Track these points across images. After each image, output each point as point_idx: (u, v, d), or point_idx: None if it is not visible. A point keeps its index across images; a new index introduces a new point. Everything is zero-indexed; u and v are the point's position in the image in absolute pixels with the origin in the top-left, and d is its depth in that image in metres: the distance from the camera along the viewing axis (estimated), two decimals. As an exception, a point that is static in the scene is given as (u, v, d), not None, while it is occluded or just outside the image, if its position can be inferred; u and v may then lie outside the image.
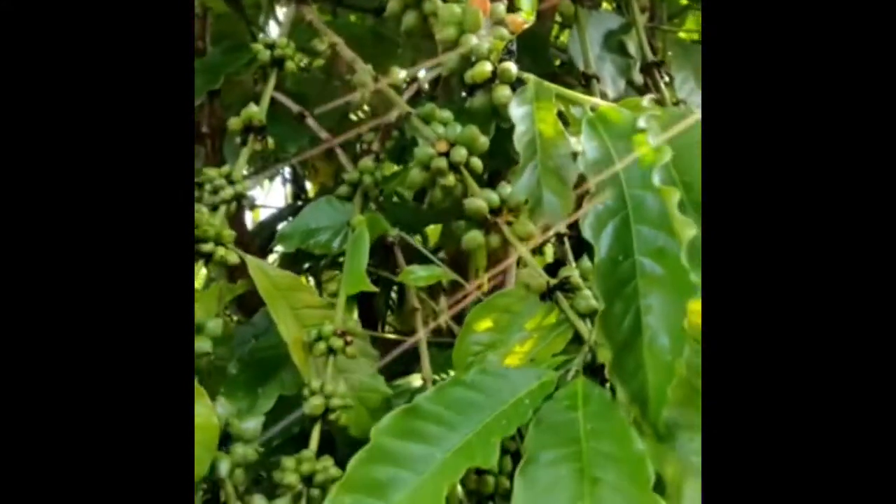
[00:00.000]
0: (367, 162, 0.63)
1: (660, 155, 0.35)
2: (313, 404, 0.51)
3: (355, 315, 0.62)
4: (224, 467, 0.45)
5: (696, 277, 0.34)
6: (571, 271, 0.47)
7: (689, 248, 0.33)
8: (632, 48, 0.70)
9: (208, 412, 0.46)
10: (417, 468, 0.35)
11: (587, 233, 0.36)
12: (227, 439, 0.46)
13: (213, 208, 0.54)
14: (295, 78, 0.71)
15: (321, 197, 0.65)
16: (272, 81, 0.61)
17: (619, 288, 0.35)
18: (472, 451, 0.35)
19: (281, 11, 0.92)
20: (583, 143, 0.39)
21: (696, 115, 0.37)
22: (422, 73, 0.70)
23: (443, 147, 0.51)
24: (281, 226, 0.75)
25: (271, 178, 1.04)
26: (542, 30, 0.72)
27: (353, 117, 0.93)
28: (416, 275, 0.59)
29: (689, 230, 0.33)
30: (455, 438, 0.36)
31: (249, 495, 0.46)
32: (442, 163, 0.50)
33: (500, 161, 0.60)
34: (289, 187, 1.09)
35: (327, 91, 0.87)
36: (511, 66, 0.47)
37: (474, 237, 0.49)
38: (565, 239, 0.53)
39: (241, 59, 0.75)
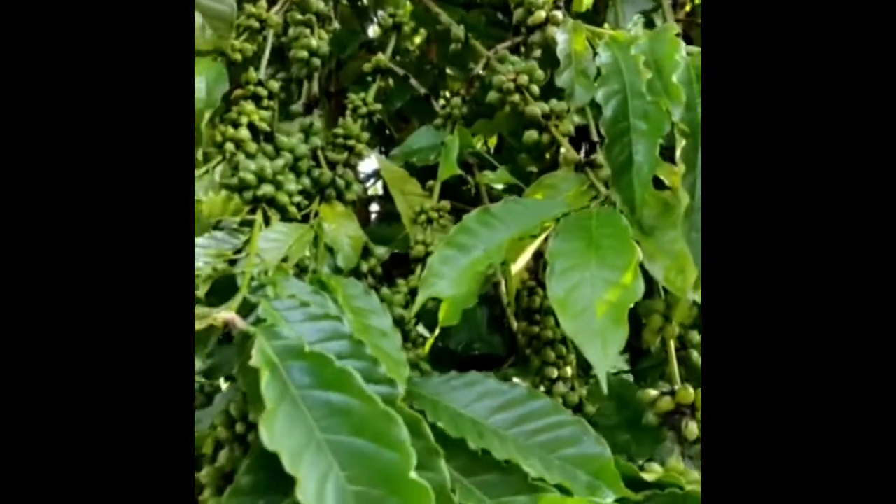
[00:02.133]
0: (456, 100, 0.87)
1: (644, 55, 0.57)
2: (417, 250, 0.74)
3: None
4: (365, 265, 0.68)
5: (666, 128, 0.56)
6: (597, 154, 0.69)
7: (660, 111, 0.55)
8: (658, 22, 0.92)
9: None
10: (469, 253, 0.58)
11: (600, 100, 0.58)
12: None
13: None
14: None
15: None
16: (393, 40, 0.86)
17: (618, 137, 0.58)
18: (506, 246, 0.58)
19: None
20: (600, 53, 0.61)
21: (673, 29, 0.59)
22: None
23: (511, 75, 0.74)
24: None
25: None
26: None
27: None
28: (489, 177, 0.83)
29: (662, 99, 0.55)
30: (497, 236, 0.59)
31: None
32: (511, 85, 0.74)
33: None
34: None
35: (421, 70, 1.12)
36: (559, 13, 0.71)
37: (531, 134, 0.73)
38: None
39: (356, 41, 1.02)
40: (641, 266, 0.54)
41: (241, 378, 0.44)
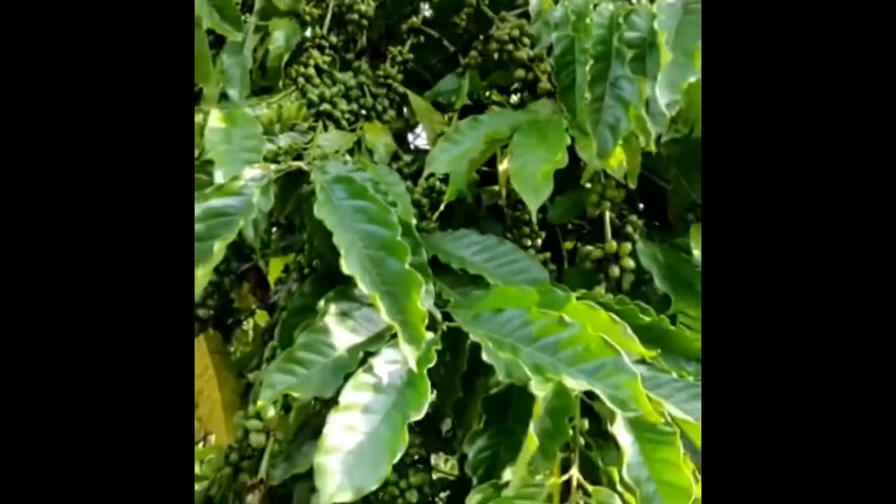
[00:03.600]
0: (474, 53, 1.13)
1: (581, 8, 0.82)
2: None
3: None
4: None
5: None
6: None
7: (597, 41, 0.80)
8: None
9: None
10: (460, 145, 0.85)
11: (553, 41, 0.84)
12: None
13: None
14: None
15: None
16: (426, 8, 1.14)
17: (564, 67, 0.83)
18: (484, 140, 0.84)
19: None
20: (556, 8, 0.87)
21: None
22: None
23: (506, 31, 1.01)
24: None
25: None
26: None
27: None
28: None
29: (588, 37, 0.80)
30: (479, 134, 0.85)
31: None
32: (506, 37, 1.00)
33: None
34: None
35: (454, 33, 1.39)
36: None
37: (520, 72, 0.99)
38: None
39: (403, 9, 1.30)
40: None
41: (304, 203, 0.73)
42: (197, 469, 0.87)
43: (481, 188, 1.04)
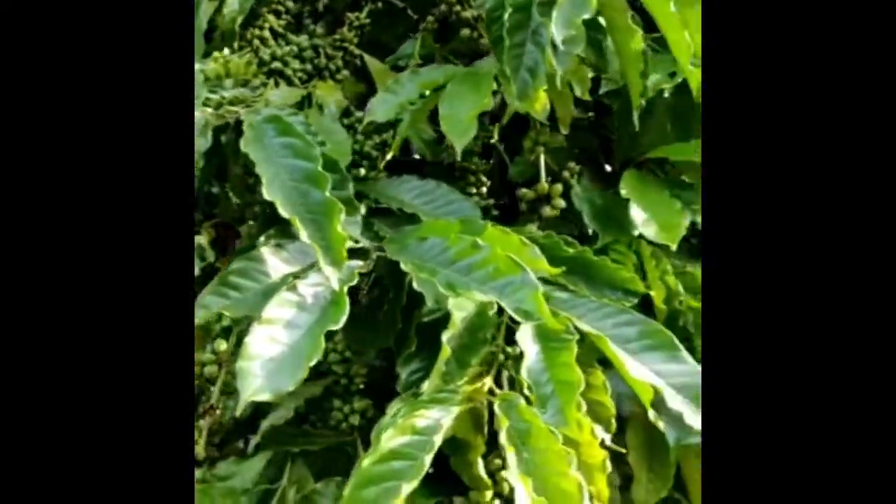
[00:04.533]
0: (430, 18, 1.18)
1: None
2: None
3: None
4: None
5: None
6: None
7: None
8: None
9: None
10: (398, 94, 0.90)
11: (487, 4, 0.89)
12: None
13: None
14: None
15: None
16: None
17: (494, 21, 0.87)
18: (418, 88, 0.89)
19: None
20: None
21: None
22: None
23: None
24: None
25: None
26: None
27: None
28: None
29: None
30: (415, 84, 0.90)
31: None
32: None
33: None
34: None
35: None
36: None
37: (465, 32, 1.04)
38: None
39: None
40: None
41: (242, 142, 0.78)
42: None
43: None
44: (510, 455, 0.59)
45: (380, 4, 1.17)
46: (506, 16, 0.83)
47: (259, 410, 0.87)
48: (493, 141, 1.02)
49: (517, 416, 0.62)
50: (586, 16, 0.72)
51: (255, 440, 0.85)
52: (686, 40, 0.81)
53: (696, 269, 0.92)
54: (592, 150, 1.11)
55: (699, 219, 0.99)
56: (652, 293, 0.87)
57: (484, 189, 1.00)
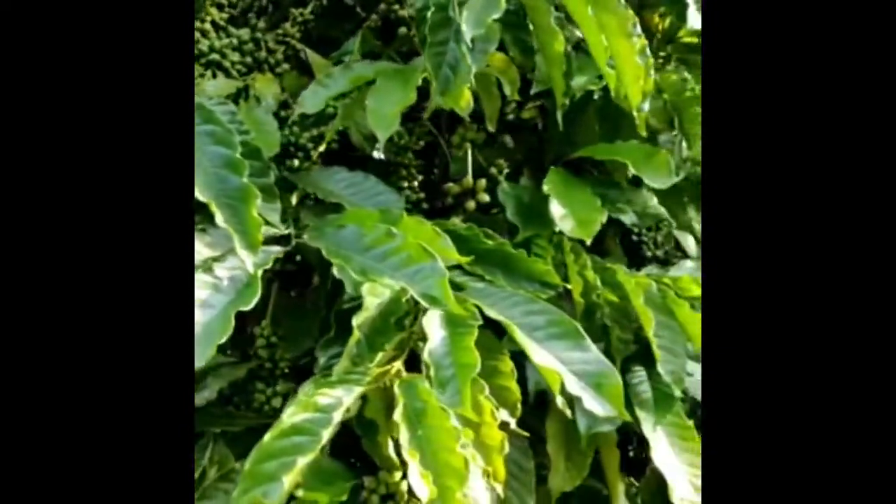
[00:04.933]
0: (374, 16, 1.21)
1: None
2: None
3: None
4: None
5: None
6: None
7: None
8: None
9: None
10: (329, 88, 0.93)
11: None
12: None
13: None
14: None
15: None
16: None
17: (422, 21, 0.90)
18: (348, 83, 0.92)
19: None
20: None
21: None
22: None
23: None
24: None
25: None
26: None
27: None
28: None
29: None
30: (345, 79, 0.93)
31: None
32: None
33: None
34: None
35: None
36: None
37: (403, 29, 1.07)
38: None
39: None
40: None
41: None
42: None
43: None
44: (402, 431, 0.62)
45: (324, 1, 1.19)
46: (429, 14, 0.86)
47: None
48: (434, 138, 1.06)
49: (415, 395, 0.65)
50: (496, 15, 0.75)
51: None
52: (602, 43, 0.84)
53: (617, 266, 0.96)
54: (535, 149, 1.15)
55: (624, 217, 1.04)
56: (569, 286, 0.90)
57: (416, 183, 1.03)
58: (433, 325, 0.71)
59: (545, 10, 0.88)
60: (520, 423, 0.92)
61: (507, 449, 0.71)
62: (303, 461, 0.61)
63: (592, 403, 0.74)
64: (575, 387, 0.74)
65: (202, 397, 0.88)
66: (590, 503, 1.01)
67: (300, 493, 0.74)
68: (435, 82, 0.84)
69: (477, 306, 0.75)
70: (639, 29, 0.84)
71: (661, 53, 1.28)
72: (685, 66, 1.27)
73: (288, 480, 0.60)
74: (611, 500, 1.00)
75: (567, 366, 0.74)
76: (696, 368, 0.97)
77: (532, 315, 0.78)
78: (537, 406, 0.95)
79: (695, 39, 1.28)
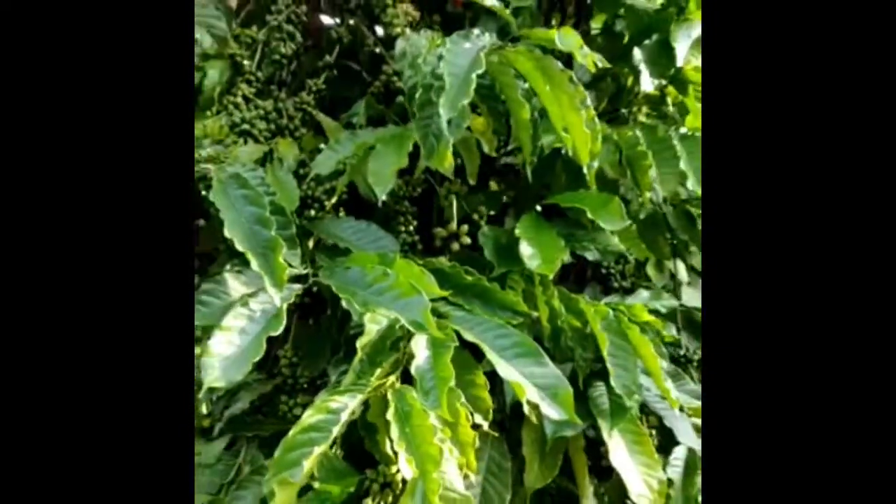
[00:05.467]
0: (378, 83, 1.41)
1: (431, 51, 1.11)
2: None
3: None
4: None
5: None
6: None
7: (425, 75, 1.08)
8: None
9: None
10: (337, 152, 1.14)
11: (408, 82, 1.12)
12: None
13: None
14: None
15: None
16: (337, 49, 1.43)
17: (412, 95, 1.11)
18: (354, 149, 1.13)
19: None
20: (407, 52, 1.16)
21: (434, 37, 1.12)
22: None
23: (389, 69, 1.29)
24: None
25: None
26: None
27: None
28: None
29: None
30: (352, 145, 1.14)
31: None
32: (391, 71, 1.29)
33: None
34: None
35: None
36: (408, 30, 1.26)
37: (400, 98, 1.28)
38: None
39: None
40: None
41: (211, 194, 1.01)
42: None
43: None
44: (393, 429, 0.80)
45: (335, 72, 1.40)
46: (417, 95, 1.06)
47: (222, 402, 1.09)
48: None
49: (404, 401, 0.84)
50: (466, 101, 0.94)
51: (219, 426, 1.07)
52: (558, 112, 1.04)
53: (581, 297, 1.14)
54: (519, 192, 1.34)
55: (588, 254, 1.23)
56: (536, 314, 1.09)
57: (412, 227, 1.23)
58: (420, 346, 0.90)
59: (513, 85, 1.08)
60: (500, 430, 1.11)
61: (478, 444, 0.89)
62: (318, 450, 0.80)
63: (549, 410, 0.92)
64: (535, 396, 0.92)
65: (237, 408, 1.07)
66: (562, 501, 1.19)
67: (317, 485, 0.93)
68: (423, 149, 1.03)
69: (456, 331, 0.94)
70: (588, 101, 1.03)
71: (626, 109, 1.48)
72: (655, 115, 1.47)
73: (307, 465, 0.79)
74: (580, 498, 1.17)
75: (529, 379, 0.93)
76: (649, 383, 1.16)
77: (501, 338, 0.96)
78: (514, 416, 1.13)
79: (657, 93, 1.47)
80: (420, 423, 0.81)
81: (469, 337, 0.95)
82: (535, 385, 0.93)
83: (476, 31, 1.02)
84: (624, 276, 1.38)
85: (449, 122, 0.95)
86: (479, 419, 0.94)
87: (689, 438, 1.21)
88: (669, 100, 1.50)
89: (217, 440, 1.05)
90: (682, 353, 1.40)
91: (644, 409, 1.21)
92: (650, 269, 1.52)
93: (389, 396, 0.85)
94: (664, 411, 1.21)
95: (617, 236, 1.23)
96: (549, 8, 1.57)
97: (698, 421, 1.25)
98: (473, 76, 0.94)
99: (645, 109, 1.50)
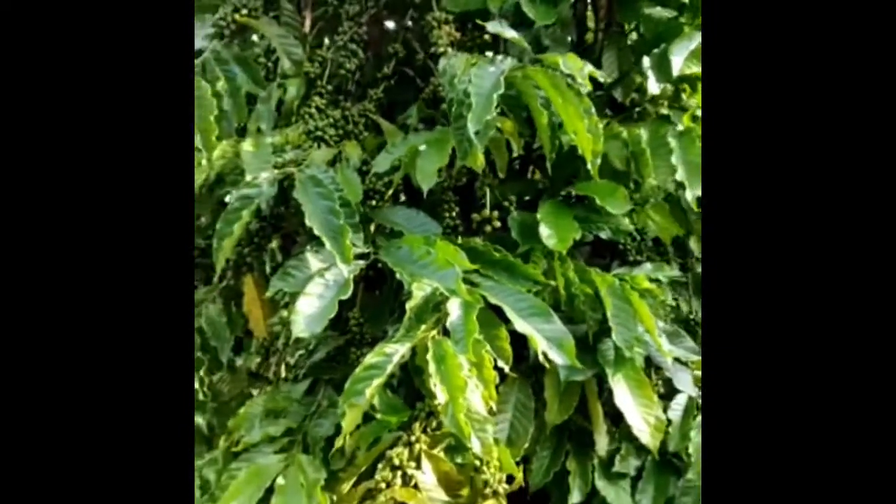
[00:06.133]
0: (428, 89, 1.67)
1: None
2: (396, 163, 1.58)
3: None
4: None
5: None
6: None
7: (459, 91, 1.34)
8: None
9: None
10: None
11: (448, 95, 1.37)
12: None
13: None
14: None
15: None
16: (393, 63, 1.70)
17: (450, 106, 1.37)
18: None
19: None
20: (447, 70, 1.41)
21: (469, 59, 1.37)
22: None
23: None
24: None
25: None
26: None
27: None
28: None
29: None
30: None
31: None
32: (437, 81, 1.55)
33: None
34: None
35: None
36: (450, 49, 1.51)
37: (444, 105, 1.54)
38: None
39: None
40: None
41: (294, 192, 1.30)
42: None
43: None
44: (431, 366, 1.08)
45: (392, 82, 1.67)
46: (453, 108, 1.31)
47: (305, 354, 1.39)
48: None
49: (440, 347, 1.11)
50: (490, 116, 1.19)
51: (302, 371, 1.38)
52: (567, 119, 1.27)
53: (593, 269, 1.38)
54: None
55: (602, 233, 1.47)
56: (554, 283, 1.34)
57: (454, 213, 1.49)
58: (454, 307, 1.17)
59: (534, 95, 1.32)
60: (527, 377, 1.38)
61: (506, 388, 1.16)
62: (376, 382, 1.08)
63: (556, 356, 1.18)
64: (545, 346, 1.18)
65: (316, 357, 1.38)
66: (579, 435, 1.44)
67: (379, 416, 1.23)
68: (458, 151, 1.29)
69: (483, 296, 1.21)
70: (592, 111, 1.26)
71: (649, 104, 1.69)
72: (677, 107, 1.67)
73: (368, 392, 1.08)
74: (594, 433, 1.43)
75: (540, 332, 1.19)
76: (648, 338, 1.39)
77: (519, 301, 1.22)
78: (538, 366, 1.39)
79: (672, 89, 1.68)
80: (451, 363, 1.08)
81: (493, 300, 1.22)
82: (544, 337, 1.19)
83: (500, 56, 1.27)
84: (640, 252, 1.61)
85: (477, 132, 1.20)
86: (501, 364, 1.21)
87: (687, 387, 1.44)
88: (685, 96, 1.70)
89: (301, 382, 1.36)
90: (691, 316, 1.63)
91: (650, 362, 1.44)
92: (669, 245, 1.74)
93: (429, 344, 1.12)
94: (667, 365, 1.45)
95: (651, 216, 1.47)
96: (583, 13, 1.80)
97: (699, 373, 1.49)
98: (495, 95, 1.19)
99: (665, 103, 1.71)
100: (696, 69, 1.42)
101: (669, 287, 1.68)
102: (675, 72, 1.38)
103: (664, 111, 1.66)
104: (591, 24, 1.85)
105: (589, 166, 1.29)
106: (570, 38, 1.74)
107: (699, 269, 1.72)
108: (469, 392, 1.09)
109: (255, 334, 1.46)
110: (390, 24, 1.79)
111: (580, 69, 1.21)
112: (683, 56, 1.38)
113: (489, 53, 1.51)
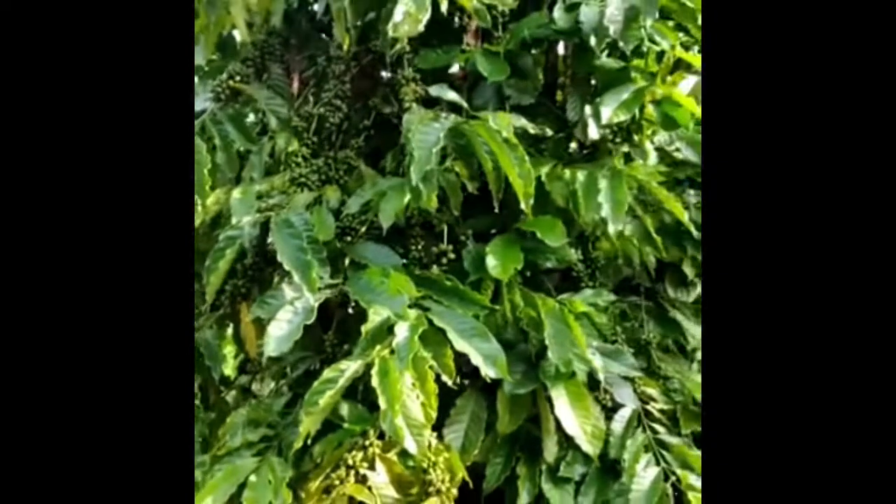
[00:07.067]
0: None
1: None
2: (373, 203, 1.80)
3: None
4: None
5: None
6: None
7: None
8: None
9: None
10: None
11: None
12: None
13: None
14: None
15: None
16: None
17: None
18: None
19: None
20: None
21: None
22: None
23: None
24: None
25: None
26: None
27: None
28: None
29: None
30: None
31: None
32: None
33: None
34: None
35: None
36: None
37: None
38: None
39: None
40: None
41: (270, 234, 1.53)
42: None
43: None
44: (374, 380, 1.28)
45: (372, 132, 1.90)
46: (406, 159, 1.52)
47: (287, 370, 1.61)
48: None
49: (384, 364, 1.31)
50: (429, 167, 1.40)
51: (284, 385, 1.60)
52: (504, 166, 1.47)
53: (537, 295, 1.57)
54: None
55: (549, 263, 1.65)
56: (499, 307, 1.53)
57: (420, 246, 1.69)
58: (401, 329, 1.37)
59: (479, 144, 1.52)
60: (482, 391, 1.56)
61: (436, 390, 1.35)
62: (329, 393, 1.29)
63: (489, 370, 1.36)
64: (479, 362, 1.36)
65: (297, 373, 1.60)
66: (530, 443, 1.62)
67: (346, 425, 1.43)
68: (412, 195, 1.50)
69: (430, 319, 1.40)
70: (526, 159, 1.46)
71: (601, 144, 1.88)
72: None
73: (322, 402, 1.28)
74: (544, 441, 1.60)
75: (477, 350, 1.38)
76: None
77: (462, 324, 1.41)
78: (494, 381, 1.57)
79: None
80: (392, 377, 1.28)
81: (439, 323, 1.41)
82: (481, 354, 1.38)
83: (444, 114, 1.48)
84: (593, 277, 1.79)
85: (421, 180, 1.42)
86: (444, 378, 1.40)
87: (628, 400, 1.61)
88: (636, 137, 1.88)
89: (282, 397, 1.58)
90: (643, 337, 1.80)
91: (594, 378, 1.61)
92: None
93: (376, 361, 1.33)
94: (612, 380, 1.62)
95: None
96: (554, 62, 2.01)
97: (646, 388, 1.66)
98: (435, 150, 1.40)
99: (619, 140, 1.89)
100: (623, 118, 1.60)
101: (630, 310, 1.87)
102: (604, 121, 1.57)
103: (624, 148, 1.85)
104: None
105: (523, 206, 1.48)
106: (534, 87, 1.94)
107: (667, 294, 1.90)
108: (410, 402, 1.28)
109: (250, 355, 1.69)
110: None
111: (507, 125, 1.41)
112: (612, 107, 1.57)
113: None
